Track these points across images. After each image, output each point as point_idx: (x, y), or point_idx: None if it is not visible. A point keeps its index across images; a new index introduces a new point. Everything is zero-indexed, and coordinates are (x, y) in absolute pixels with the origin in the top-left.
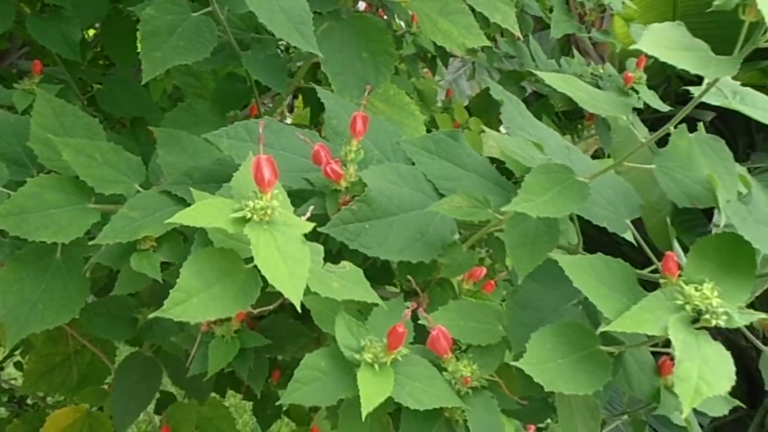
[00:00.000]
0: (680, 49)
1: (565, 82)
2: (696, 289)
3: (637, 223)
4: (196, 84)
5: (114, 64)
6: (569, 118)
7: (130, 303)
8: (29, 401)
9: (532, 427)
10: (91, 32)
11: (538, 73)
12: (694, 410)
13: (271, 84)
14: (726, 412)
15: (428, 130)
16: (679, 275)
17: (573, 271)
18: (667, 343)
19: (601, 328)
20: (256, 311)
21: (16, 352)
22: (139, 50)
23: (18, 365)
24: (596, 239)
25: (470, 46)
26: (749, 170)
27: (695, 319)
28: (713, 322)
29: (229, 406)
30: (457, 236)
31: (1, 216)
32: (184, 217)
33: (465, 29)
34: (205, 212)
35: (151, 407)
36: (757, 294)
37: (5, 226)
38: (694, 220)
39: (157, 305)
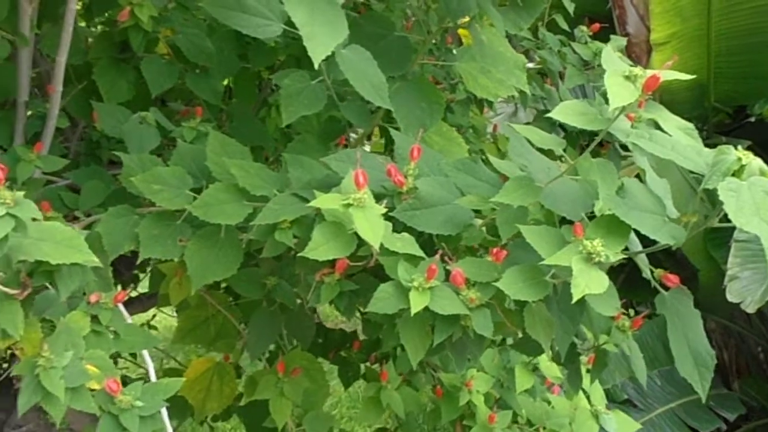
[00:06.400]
0: (575, 114)
1: (527, 131)
2: (590, 242)
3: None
4: (305, 122)
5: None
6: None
7: (261, 273)
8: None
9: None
10: None
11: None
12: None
13: (359, 124)
14: (614, 313)
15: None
16: (584, 236)
17: (529, 234)
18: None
19: (541, 263)
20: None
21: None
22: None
23: None
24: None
25: (502, 96)
26: None
27: (591, 259)
28: (597, 259)
29: None
30: (474, 221)
31: (195, 207)
32: (319, 202)
33: (498, 83)
34: (329, 201)
35: None
36: None
37: (197, 213)
38: (724, 237)
39: (279, 276)
